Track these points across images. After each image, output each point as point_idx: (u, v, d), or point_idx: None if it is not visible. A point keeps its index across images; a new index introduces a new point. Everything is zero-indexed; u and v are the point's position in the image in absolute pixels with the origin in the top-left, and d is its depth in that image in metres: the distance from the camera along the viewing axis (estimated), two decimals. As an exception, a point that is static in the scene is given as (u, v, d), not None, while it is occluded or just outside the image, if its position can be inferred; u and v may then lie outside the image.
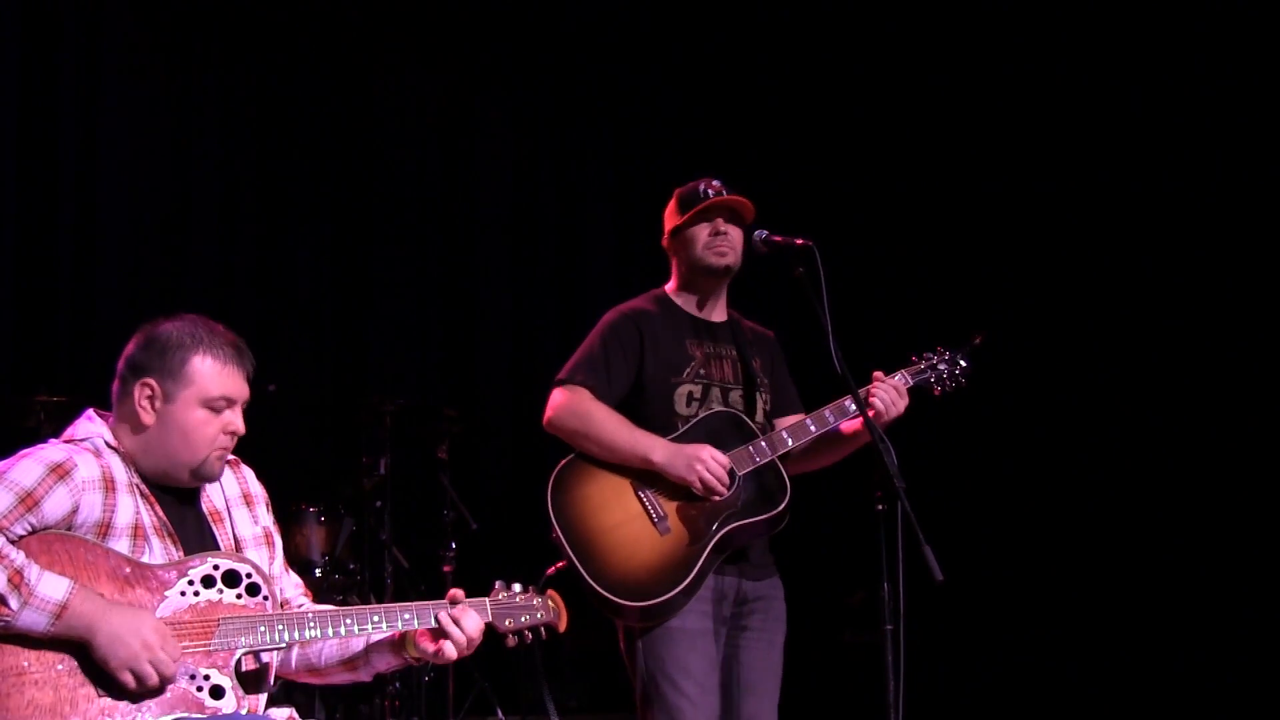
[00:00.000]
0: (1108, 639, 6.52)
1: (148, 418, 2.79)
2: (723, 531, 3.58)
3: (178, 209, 6.94)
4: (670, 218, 3.90)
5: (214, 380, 2.79)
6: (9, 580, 2.51)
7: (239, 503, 2.97)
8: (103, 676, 2.60)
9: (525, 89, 7.93)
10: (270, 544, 2.99)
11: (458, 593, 2.92)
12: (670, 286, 3.93)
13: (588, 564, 3.51)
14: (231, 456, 2.97)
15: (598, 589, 3.49)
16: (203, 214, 7.01)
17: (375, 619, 2.84)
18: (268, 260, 7.23)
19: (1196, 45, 6.38)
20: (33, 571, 2.54)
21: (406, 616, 2.85)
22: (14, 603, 2.51)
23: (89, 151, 6.66)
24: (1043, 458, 6.80)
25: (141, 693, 2.61)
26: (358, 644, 2.93)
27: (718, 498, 3.57)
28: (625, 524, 3.58)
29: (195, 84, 7.04)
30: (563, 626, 3.01)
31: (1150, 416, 6.48)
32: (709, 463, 3.55)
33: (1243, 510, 6.19)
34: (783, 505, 3.62)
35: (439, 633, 2.86)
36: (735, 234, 3.81)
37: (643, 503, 3.61)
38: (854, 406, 3.63)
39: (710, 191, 3.84)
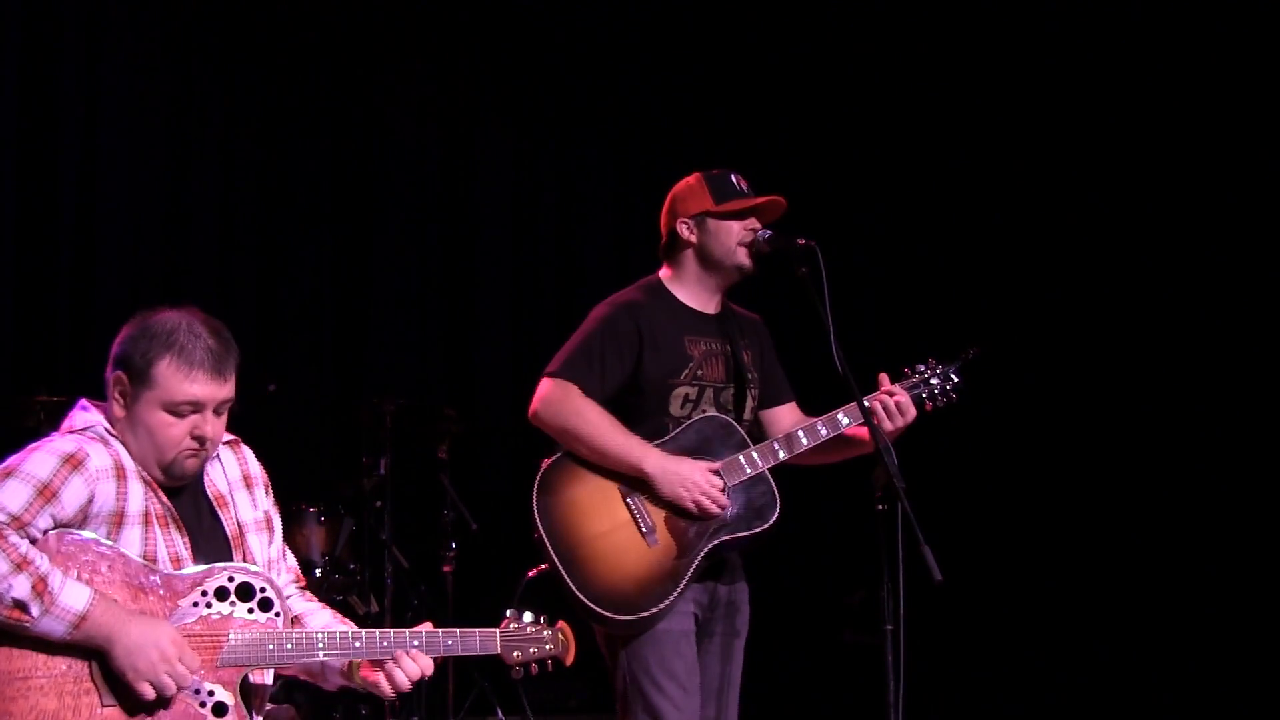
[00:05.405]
0: (1107, 639, 6.52)
1: (119, 410, 2.76)
2: (711, 545, 3.52)
3: (178, 209, 6.92)
4: (697, 200, 3.72)
5: (176, 386, 2.71)
6: (33, 588, 2.50)
7: (240, 485, 2.92)
8: (109, 685, 2.59)
9: (525, 89, 7.92)
10: (270, 528, 2.94)
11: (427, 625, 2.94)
12: (667, 274, 3.79)
13: (572, 572, 3.44)
14: (231, 436, 2.93)
15: (582, 599, 3.43)
16: (203, 214, 7.00)
17: (384, 644, 2.82)
18: (268, 260, 7.22)
19: (1199, 53, 6.38)
20: (56, 579, 2.53)
21: (415, 644, 2.86)
22: (35, 610, 2.50)
23: (89, 151, 6.65)
24: (1042, 458, 6.79)
25: (155, 702, 2.59)
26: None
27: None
28: (612, 532, 3.50)
29: (195, 84, 7.02)
30: (569, 660, 2.98)
31: (1150, 417, 6.48)
32: (706, 488, 3.49)
33: (1242, 509, 6.19)
34: (773, 521, 3.56)
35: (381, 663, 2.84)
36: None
37: (631, 511, 3.53)
38: (845, 419, 3.59)
39: (744, 187, 3.73)
